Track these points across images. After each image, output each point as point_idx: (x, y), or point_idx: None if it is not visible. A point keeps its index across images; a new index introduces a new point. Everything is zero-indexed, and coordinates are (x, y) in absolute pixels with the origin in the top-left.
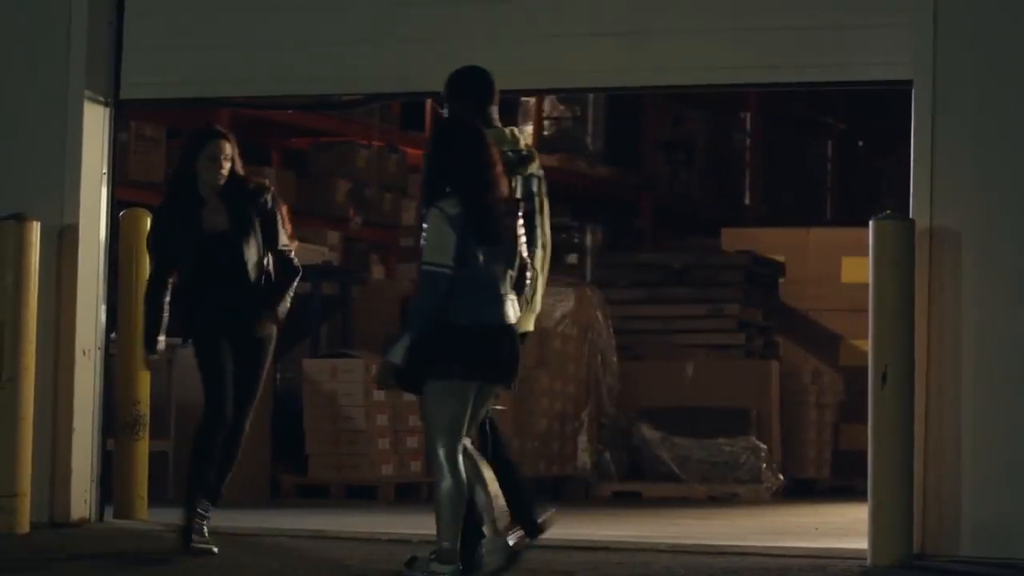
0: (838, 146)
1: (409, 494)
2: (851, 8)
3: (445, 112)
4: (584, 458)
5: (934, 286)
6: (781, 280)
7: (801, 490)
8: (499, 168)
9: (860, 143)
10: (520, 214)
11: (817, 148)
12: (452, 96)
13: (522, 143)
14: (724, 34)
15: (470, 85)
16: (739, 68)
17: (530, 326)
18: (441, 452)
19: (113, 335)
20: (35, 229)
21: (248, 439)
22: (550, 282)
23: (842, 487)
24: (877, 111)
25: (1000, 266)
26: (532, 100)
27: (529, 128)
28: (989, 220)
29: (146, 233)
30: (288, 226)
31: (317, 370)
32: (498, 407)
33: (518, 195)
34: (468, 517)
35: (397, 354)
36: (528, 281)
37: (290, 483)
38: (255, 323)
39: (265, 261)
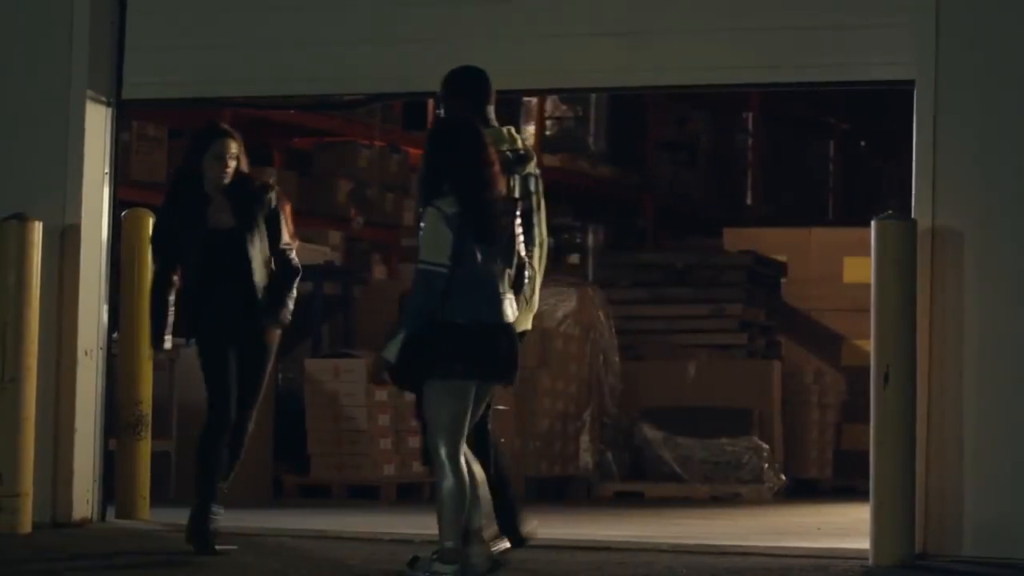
0: (840, 146)
1: (411, 494)
2: (852, 8)
3: (441, 112)
4: (586, 458)
5: (936, 286)
6: (783, 280)
7: (803, 490)
8: (496, 167)
9: (862, 143)
10: (518, 213)
11: (819, 148)
12: (449, 96)
13: (519, 143)
14: (724, 34)
15: (466, 85)
16: (739, 68)
17: (528, 325)
18: (443, 452)
19: (115, 335)
20: (37, 229)
21: (250, 439)
22: (552, 282)
23: (844, 487)
24: (879, 111)
25: (1002, 266)
26: (534, 100)
27: (531, 128)
28: (991, 220)
29: (148, 233)
30: (290, 225)
31: (319, 370)
32: (500, 407)
33: (516, 194)
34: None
35: (391, 351)
36: (526, 280)
37: (292, 483)
38: (260, 328)
39: (270, 261)
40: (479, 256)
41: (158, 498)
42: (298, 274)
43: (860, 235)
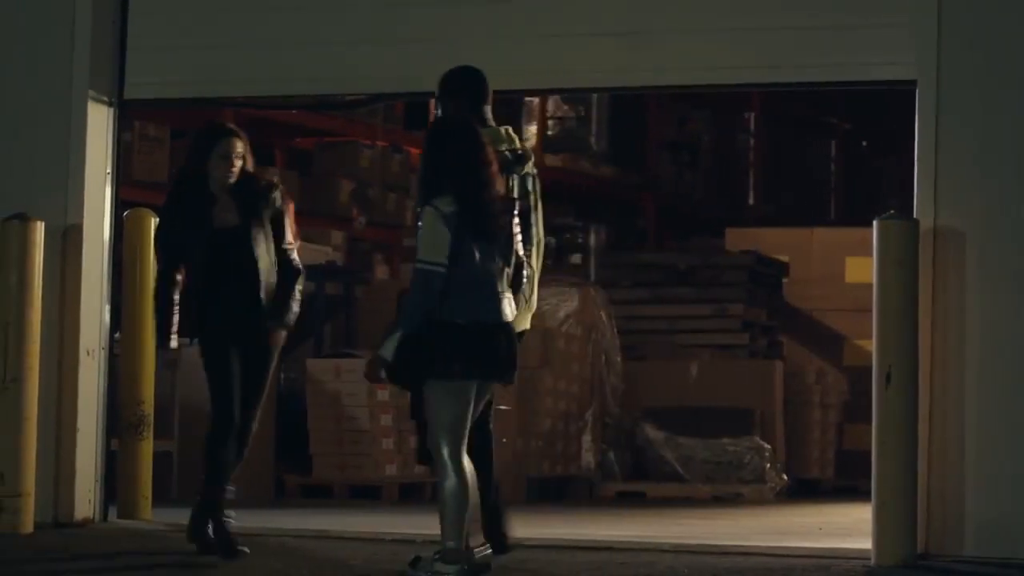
0: (842, 146)
1: (413, 494)
2: (853, 8)
3: (439, 112)
4: (588, 458)
5: (938, 286)
6: (785, 280)
7: (805, 490)
8: (494, 167)
9: (864, 143)
10: (516, 212)
11: (821, 148)
12: (446, 96)
13: (517, 142)
14: (724, 34)
15: (464, 85)
16: (739, 68)
17: (527, 324)
18: (445, 451)
19: (117, 335)
20: (39, 229)
21: (252, 439)
22: (554, 282)
23: (846, 487)
24: (880, 111)
25: (1004, 266)
26: (536, 100)
27: (533, 128)
28: (993, 220)
29: (150, 233)
30: (293, 226)
31: (321, 370)
32: (501, 407)
33: (515, 194)
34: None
35: (388, 349)
36: (525, 279)
37: (294, 483)
38: (265, 327)
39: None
40: (477, 255)
41: (160, 498)
42: (300, 275)
43: (862, 235)
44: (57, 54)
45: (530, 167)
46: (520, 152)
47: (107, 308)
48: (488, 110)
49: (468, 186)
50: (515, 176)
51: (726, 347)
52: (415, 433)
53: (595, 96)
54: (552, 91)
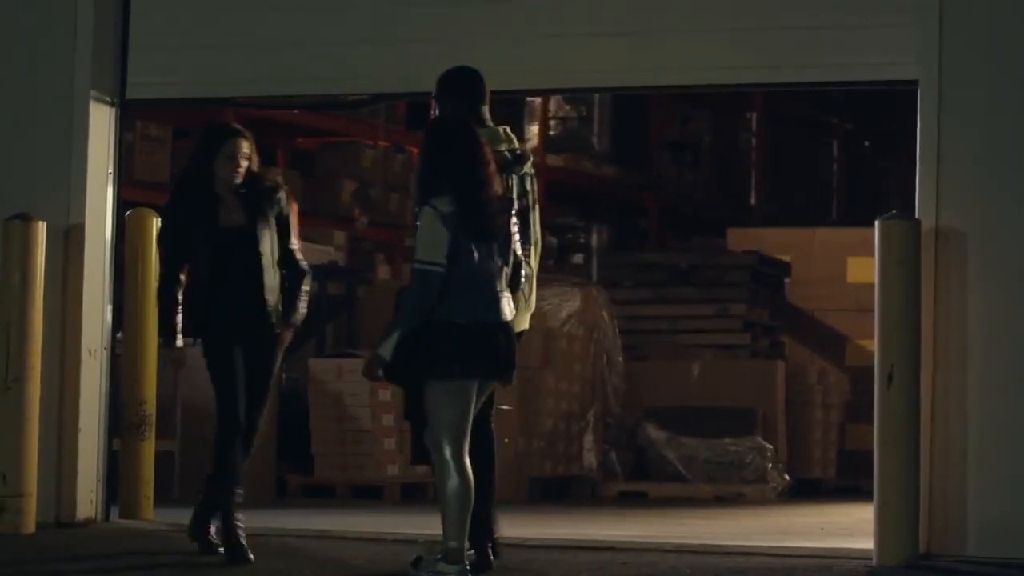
0: (844, 146)
1: (415, 494)
2: (856, 8)
3: (437, 112)
4: (590, 458)
5: (940, 286)
6: (787, 280)
7: (807, 490)
8: (492, 166)
9: (866, 143)
10: (515, 212)
11: (823, 148)
12: (444, 96)
13: (516, 142)
14: (725, 34)
15: (461, 85)
16: (740, 68)
17: (526, 324)
18: (447, 451)
19: (119, 335)
20: (41, 229)
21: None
22: (556, 282)
23: (848, 487)
24: (883, 111)
25: (1006, 266)
26: (538, 100)
27: (535, 128)
28: (995, 220)
29: (152, 233)
30: (296, 227)
31: (323, 370)
32: (503, 407)
33: (514, 194)
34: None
35: (386, 349)
36: (523, 279)
37: (296, 483)
38: (270, 326)
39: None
40: (476, 255)
41: (162, 498)
42: (306, 275)
43: (864, 235)
44: (59, 54)
45: (529, 167)
46: (519, 152)
47: (109, 308)
48: (486, 110)
49: (466, 186)
50: (514, 176)
51: (728, 347)
52: (411, 433)
53: (597, 96)
54: (552, 91)
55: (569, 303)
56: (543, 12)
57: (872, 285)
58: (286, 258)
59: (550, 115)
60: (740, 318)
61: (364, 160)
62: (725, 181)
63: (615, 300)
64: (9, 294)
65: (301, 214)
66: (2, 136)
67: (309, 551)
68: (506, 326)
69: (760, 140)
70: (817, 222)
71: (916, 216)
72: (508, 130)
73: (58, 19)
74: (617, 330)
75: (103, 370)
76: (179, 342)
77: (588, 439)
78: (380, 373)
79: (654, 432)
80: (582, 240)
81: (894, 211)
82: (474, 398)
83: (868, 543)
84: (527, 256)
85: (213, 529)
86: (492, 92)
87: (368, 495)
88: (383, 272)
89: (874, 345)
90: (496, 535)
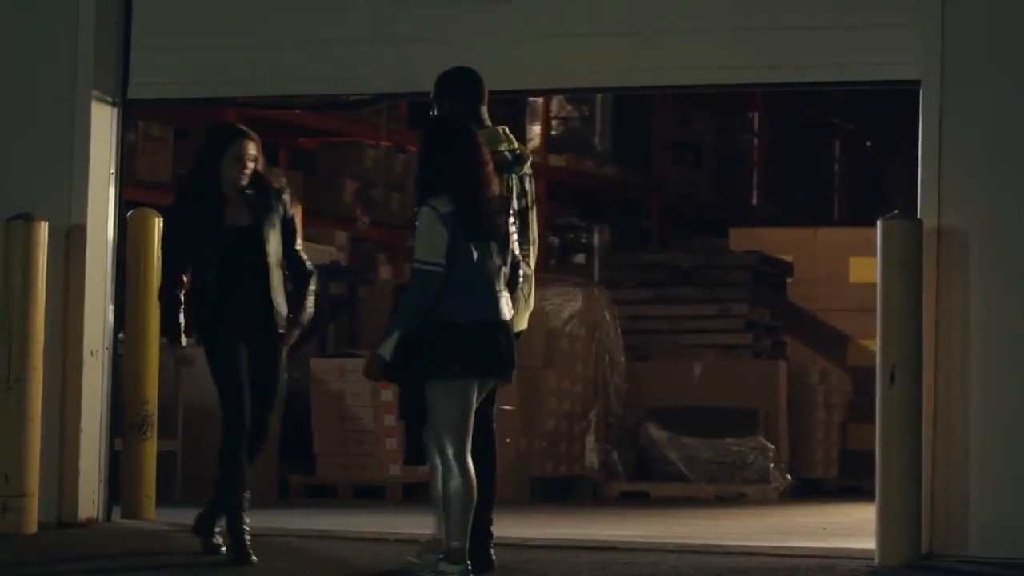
0: (846, 146)
1: (417, 494)
2: (859, 8)
3: (435, 112)
4: (592, 458)
5: (941, 286)
6: (789, 280)
7: (809, 490)
8: (490, 167)
9: (868, 143)
10: (516, 211)
11: (825, 148)
12: (442, 96)
13: (515, 143)
14: (728, 34)
15: (459, 85)
16: (744, 68)
17: (524, 324)
18: (450, 451)
19: (121, 335)
20: (43, 229)
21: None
22: (558, 282)
23: (850, 487)
24: (885, 111)
25: (1008, 266)
26: (540, 100)
27: (537, 128)
28: (997, 220)
29: (154, 233)
30: (300, 229)
31: (325, 370)
32: (505, 407)
33: (514, 194)
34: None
35: (386, 349)
36: (521, 278)
37: (298, 483)
38: (275, 326)
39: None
40: (475, 255)
41: (164, 498)
42: (312, 275)
43: (866, 235)
44: (61, 54)
45: (528, 167)
46: (519, 152)
47: (111, 308)
48: (484, 110)
49: (465, 186)
50: (514, 176)
51: (730, 347)
52: (404, 432)
53: (599, 96)
54: (552, 91)
55: (571, 303)
56: (543, 12)
57: (874, 285)
58: (292, 259)
59: (552, 115)
60: (742, 318)
61: (366, 160)
62: (727, 181)
63: (617, 300)
64: (11, 294)
65: (303, 214)
66: (4, 136)
67: (311, 551)
68: (505, 325)
69: (762, 140)
70: (819, 222)
71: (918, 216)
72: (507, 130)
73: (60, 19)
74: (619, 330)
75: (105, 370)
76: (184, 340)
77: (590, 439)
78: (380, 373)
79: (656, 432)
80: (584, 240)
81: (896, 211)
82: (475, 397)
83: (870, 543)
84: (526, 256)
85: (218, 529)
86: (492, 92)
87: (370, 495)
88: (385, 272)
89: (876, 345)
90: (491, 554)
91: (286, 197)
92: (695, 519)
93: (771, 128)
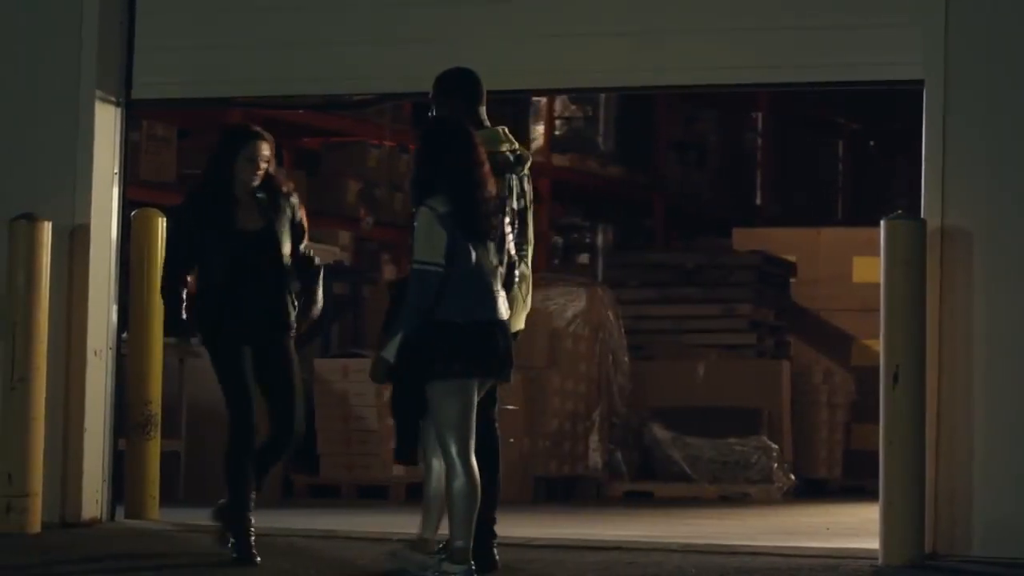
0: (849, 146)
1: (420, 494)
2: (862, 8)
3: (433, 113)
4: (595, 458)
5: (945, 286)
6: (792, 280)
7: (812, 490)
8: (487, 167)
9: (871, 143)
10: (515, 211)
11: (829, 148)
12: (440, 97)
13: (515, 143)
14: (735, 33)
15: (458, 86)
16: (743, 68)
17: (522, 324)
18: (453, 450)
19: (124, 335)
20: (46, 229)
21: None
22: (561, 282)
23: (853, 487)
24: (889, 111)
25: (1011, 266)
26: (544, 100)
27: (540, 128)
28: (1000, 220)
29: (158, 233)
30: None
31: (328, 370)
32: (509, 406)
33: (514, 194)
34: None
35: (390, 351)
36: (517, 278)
37: (302, 483)
38: (287, 326)
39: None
40: (473, 255)
41: (167, 498)
42: (320, 270)
43: (869, 235)
44: (65, 54)
45: (527, 168)
46: (519, 153)
47: (114, 308)
48: (483, 111)
49: (462, 186)
50: (514, 176)
51: (733, 347)
52: (395, 431)
53: (603, 96)
54: (552, 91)
55: (575, 303)
56: (543, 12)
57: (878, 285)
58: (298, 258)
59: (556, 115)
60: (746, 318)
61: (369, 160)
62: (731, 181)
63: (621, 300)
64: (15, 294)
65: (306, 214)
66: (7, 136)
67: (315, 551)
68: (503, 325)
69: (766, 140)
70: (823, 222)
71: (921, 216)
72: (506, 130)
73: (63, 19)
74: (623, 330)
75: (108, 370)
76: (191, 339)
77: (594, 439)
78: (386, 376)
79: (660, 432)
80: (587, 240)
81: (899, 211)
82: (476, 396)
83: (874, 543)
84: (524, 256)
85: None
86: (492, 92)
87: (374, 495)
88: (388, 272)
89: (879, 345)
90: (495, 554)
91: (295, 200)
92: (699, 519)
93: (775, 128)
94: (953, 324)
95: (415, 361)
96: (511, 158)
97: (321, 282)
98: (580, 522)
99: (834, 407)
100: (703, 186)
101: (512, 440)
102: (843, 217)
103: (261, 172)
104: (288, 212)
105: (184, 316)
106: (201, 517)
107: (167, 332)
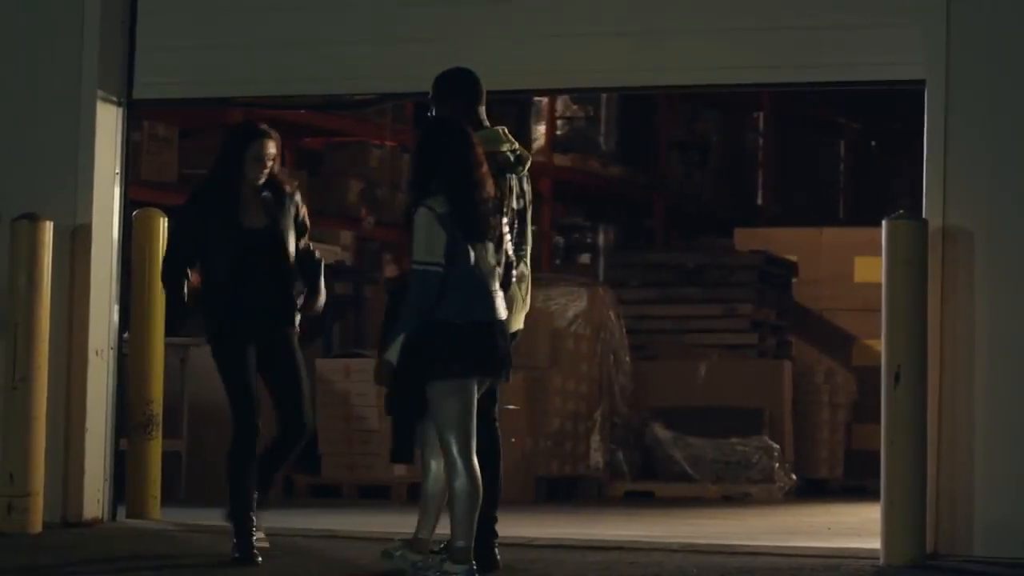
0: (851, 146)
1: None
2: (864, 8)
3: (432, 113)
4: (597, 458)
5: (947, 286)
6: (794, 280)
7: (813, 490)
8: (485, 167)
9: (873, 143)
10: (515, 211)
11: (830, 148)
12: (441, 97)
13: (515, 143)
14: (735, 33)
15: (457, 86)
16: (744, 68)
17: (520, 324)
18: (455, 450)
19: (126, 335)
20: (48, 229)
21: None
22: (563, 282)
23: (854, 487)
24: (889, 111)
25: (1013, 266)
26: (545, 100)
27: (542, 128)
28: (1002, 219)
29: (159, 233)
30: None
31: (330, 370)
32: (510, 406)
33: (514, 194)
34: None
35: (394, 354)
36: (516, 278)
37: (303, 483)
38: (292, 324)
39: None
40: (472, 255)
41: (169, 498)
42: (321, 263)
43: (871, 235)
44: (66, 54)
45: (526, 168)
46: (519, 153)
47: (116, 308)
48: (483, 111)
49: (461, 187)
50: (515, 176)
51: (735, 347)
52: (392, 430)
53: (604, 96)
54: (552, 91)
55: (576, 303)
56: (543, 12)
57: (879, 285)
58: (303, 251)
59: (557, 115)
60: (747, 318)
61: (371, 160)
62: (732, 181)
63: (622, 300)
64: (16, 294)
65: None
66: (8, 136)
67: (316, 551)
68: (501, 325)
69: (767, 140)
70: (824, 222)
71: (923, 216)
72: (506, 131)
73: (65, 19)
74: (624, 330)
75: (110, 370)
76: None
77: (595, 439)
78: (390, 379)
79: (661, 432)
80: (589, 240)
81: (901, 211)
82: (475, 396)
83: (875, 543)
84: (523, 256)
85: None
86: (492, 92)
87: (375, 495)
88: (390, 272)
89: (881, 345)
90: (496, 553)
91: (298, 198)
92: (700, 519)
93: (776, 128)
94: (954, 324)
95: (415, 361)
96: (511, 158)
97: (322, 276)
98: (581, 522)
99: (835, 407)
100: (704, 186)
101: (514, 440)
102: (844, 217)
103: (267, 170)
104: (292, 210)
105: (186, 300)
106: (202, 517)
107: (169, 306)
